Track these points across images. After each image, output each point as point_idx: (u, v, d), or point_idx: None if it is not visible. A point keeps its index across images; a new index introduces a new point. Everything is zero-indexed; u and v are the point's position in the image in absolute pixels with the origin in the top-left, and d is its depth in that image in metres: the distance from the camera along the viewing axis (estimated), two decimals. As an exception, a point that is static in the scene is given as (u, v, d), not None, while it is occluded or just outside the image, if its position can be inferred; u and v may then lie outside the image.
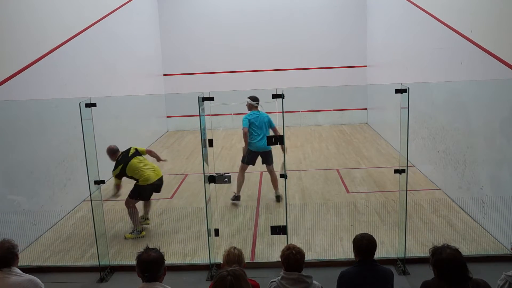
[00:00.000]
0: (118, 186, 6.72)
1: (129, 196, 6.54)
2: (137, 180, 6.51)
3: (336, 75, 14.91)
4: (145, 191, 6.56)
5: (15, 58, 6.64)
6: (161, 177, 6.70)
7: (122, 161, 6.51)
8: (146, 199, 6.74)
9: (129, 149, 6.67)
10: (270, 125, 7.63)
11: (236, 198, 7.72)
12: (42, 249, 6.30)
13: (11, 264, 3.52)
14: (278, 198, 7.77)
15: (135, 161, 6.50)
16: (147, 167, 6.55)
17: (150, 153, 7.00)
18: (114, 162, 6.62)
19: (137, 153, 6.66)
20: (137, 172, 6.46)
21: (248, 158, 7.61)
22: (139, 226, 6.61)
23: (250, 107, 7.67)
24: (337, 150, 11.64)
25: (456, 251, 2.99)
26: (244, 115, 7.57)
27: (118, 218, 7.11)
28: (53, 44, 7.71)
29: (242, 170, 7.75)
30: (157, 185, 6.65)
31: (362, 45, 14.79)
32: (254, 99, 7.66)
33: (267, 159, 7.65)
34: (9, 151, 6.35)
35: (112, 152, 6.64)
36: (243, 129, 7.50)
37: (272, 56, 15.03)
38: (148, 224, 6.85)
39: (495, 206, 5.92)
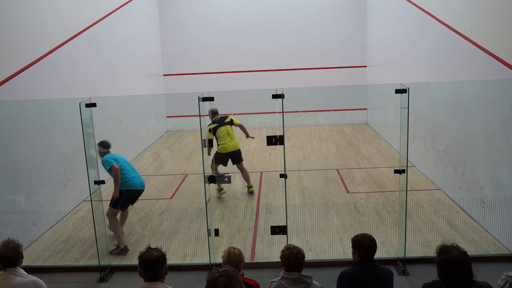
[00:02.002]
0: (210, 144, 7.70)
1: (213, 161, 7.82)
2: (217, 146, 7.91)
3: (336, 75, 14.92)
4: (222, 158, 7.92)
5: (15, 58, 6.64)
6: (238, 149, 8.02)
7: (218, 122, 7.88)
8: (224, 164, 8.01)
9: (228, 116, 8.03)
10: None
11: (123, 249, 6.09)
12: (42, 249, 6.30)
13: (16, 264, 3.53)
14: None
15: (225, 128, 7.88)
16: (229, 138, 7.90)
17: (242, 127, 8.23)
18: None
19: (231, 122, 7.98)
20: (220, 137, 7.82)
21: (124, 201, 6.24)
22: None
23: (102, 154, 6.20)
24: (337, 150, 11.64)
25: (464, 254, 2.86)
26: (105, 157, 6.13)
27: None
28: (53, 44, 7.71)
29: (114, 214, 6.20)
30: (233, 154, 7.95)
31: (362, 45, 14.79)
32: (105, 145, 6.23)
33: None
34: (9, 151, 6.35)
35: (213, 113, 7.99)
36: (113, 166, 6.01)
37: (272, 56, 15.04)
38: (224, 192, 8.11)
39: (495, 206, 5.92)
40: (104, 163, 6.03)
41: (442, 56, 8.05)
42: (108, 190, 8.77)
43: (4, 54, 6.41)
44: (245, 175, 8.18)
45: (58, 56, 7.78)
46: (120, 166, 6.07)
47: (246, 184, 8.27)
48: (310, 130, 14.48)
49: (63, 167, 7.57)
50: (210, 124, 7.87)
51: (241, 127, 8.24)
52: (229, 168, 8.17)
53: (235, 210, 7.52)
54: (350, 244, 3.69)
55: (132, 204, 6.42)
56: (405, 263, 5.32)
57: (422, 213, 6.89)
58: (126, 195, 6.13)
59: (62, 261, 5.93)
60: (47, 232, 6.85)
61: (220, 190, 8.13)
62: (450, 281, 2.83)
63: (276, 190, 8.34)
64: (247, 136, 8.34)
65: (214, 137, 7.87)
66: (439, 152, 7.97)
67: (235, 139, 8.07)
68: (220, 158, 7.97)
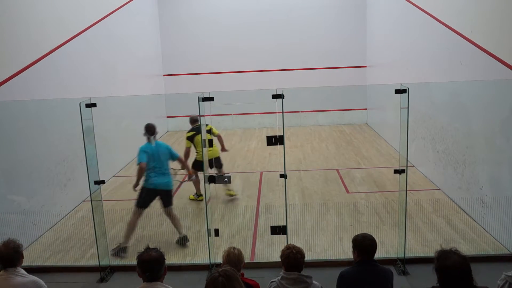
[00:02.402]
0: (188, 151, 7.70)
1: (192, 167, 7.71)
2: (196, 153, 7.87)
3: (336, 75, 14.92)
4: (201, 165, 7.23)
5: (15, 58, 6.65)
6: (217, 157, 7.91)
7: (196, 130, 7.73)
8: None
9: (207, 125, 7.47)
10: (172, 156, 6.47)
11: (122, 250, 6.06)
12: (43, 249, 6.30)
13: (16, 264, 3.54)
14: (184, 238, 6.31)
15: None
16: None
17: (219, 138, 8.06)
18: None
19: (210, 131, 7.76)
20: (199, 145, 7.68)
21: (144, 199, 6.23)
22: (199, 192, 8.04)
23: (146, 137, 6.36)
24: (337, 150, 11.64)
25: (463, 258, 2.76)
26: (141, 148, 6.24)
27: (118, 218, 7.11)
28: (53, 44, 7.71)
29: (136, 213, 6.20)
30: (212, 162, 7.73)
31: (362, 45, 14.80)
32: (147, 129, 6.31)
33: (168, 200, 6.37)
34: (9, 151, 6.35)
35: (193, 120, 7.91)
36: (139, 164, 6.11)
37: (272, 56, 15.04)
38: (201, 199, 7.94)
39: (495, 206, 5.92)
40: (137, 155, 6.20)
41: (442, 56, 8.05)
42: (109, 190, 8.79)
43: (4, 54, 6.41)
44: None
45: (58, 56, 7.78)
46: (149, 162, 6.14)
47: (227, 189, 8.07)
48: (310, 130, 14.48)
49: (63, 167, 7.57)
50: (188, 132, 7.84)
51: (219, 138, 8.03)
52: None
53: (235, 210, 7.53)
54: (350, 244, 3.69)
55: (165, 206, 6.30)
56: (405, 263, 5.32)
57: (422, 213, 6.90)
58: (147, 193, 6.18)
59: (62, 261, 5.93)
60: (47, 232, 6.85)
61: (199, 195, 8.06)
62: (450, 286, 2.76)
63: (276, 190, 8.34)
64: (223, 149, 8.18)
65: (193, 144, 7.76)
66: (438, 152, 7.97)
67: (214, 146, 7.90)
68: (199, 165, 7.60)
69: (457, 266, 2.72)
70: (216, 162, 7.95)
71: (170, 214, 6.33)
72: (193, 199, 8.09)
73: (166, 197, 6.30)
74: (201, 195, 7.98)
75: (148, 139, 6.27)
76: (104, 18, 10.06)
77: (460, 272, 2.72)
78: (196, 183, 8.01)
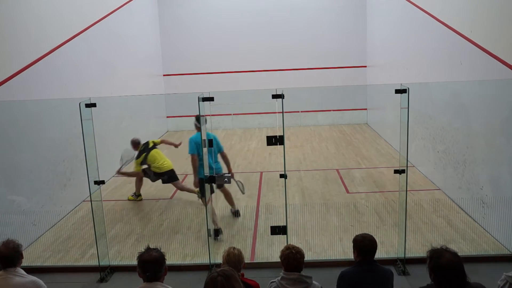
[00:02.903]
0: (138, 174, 7.95)
1: (142, 170, 7.94)
2: (150, 166, 7.88)
3: (336, 75, 14.93)
4: (154, 175, 7.91)
5: (15, 58, 6.64)
6: (171, 169, 7.88)
7: (145, 151, 7.84)
8: (152, 180, 8.04)
9: (148, 142, 7.99)
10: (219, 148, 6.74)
11: (216, 232, 6.35)
12: (42, 249, 6.30)
13: (16, 264, 3.55)
14: (237, 213, 7.09)
15: (154, 152, 7.86)
16: (162, 159, 7.87)
17: (164, 142, 8.40)
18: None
19: (154, 146, 7.97)
20: (153, 161, 7.79)
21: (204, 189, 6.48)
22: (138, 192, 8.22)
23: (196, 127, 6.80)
24: (337, 150, 11.64)
25: (455, 256, 2.83)
26: (191, 138, 6.65)
27: (118, 218, 7.11)
28: (53, 44, 7.71)
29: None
30: (167, 174, 7.84)
31: (362, 45, 14.80)
32: (198, 120, 6.48)
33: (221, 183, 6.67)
34: (9, 151, 6.35)
35: (135, 143, 7.97)
36: (191, 157, 6.57)
37: (272, 56, 15.04)
38: (140, 200, 8.20)
39: (495, 206, 5.92)
40: (188, 145, 6.50)
41: (442, 56, 8.05)
42: (109, 190, 8.80)
43: (4, 54, 6.41)
44: (185, 189, 8.01)
45: (58, 56, 7.79)
46: (198, 152, 6.37)
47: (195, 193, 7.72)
48: (310, 130, 14.48)
49: (63, 167, 7.57)
50: (138, 158, 7.82)
51: (163, 141, 8.43)
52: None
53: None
54: (350, 244, 3.69)
55: (219, 187, 6.70)
56: (405, 263, 5.32)
57: (422, 213, 6.89)
58: (202, 184, 6.32)
59: (62, 261, 5.93)
60: (47, 232, 6.85)
61: (138, 196, 8.23)
62: (445, 284, 2.80)
63: (276, 190, 8.34)
64: (175, 145, 8.46)
65: (146, 165, 7.85)
66: (439, 152, 7.97)
67: (168, 160, 8.00)
68: (156, 178, 7.97)
69: (451, 264, 2.78)
70: (170, 177, 7.88)
71: (225, 191, 6.87)
72: (131, 200, 8.17)
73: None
74: (140, 195, 8.19)
75: (199, 129, 6.45)
76: (104, 18, 10.06)
77: (454, 269, 2.78)
78: (137, 183, 8.12)
